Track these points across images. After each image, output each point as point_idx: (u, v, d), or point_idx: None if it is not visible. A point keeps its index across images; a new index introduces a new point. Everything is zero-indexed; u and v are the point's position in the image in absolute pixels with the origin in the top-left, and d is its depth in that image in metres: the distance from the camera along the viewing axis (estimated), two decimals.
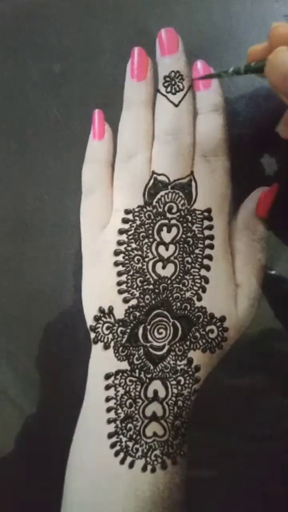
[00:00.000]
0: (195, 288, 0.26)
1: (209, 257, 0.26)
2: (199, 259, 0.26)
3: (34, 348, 0.29)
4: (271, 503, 0.27)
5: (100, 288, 0.27)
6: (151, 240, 0.26)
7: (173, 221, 0.26)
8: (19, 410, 0.29)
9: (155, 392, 0.25)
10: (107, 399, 0.25)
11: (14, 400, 0.29)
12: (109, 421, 0.25)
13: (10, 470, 0.29)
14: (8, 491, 0.28)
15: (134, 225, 0.26)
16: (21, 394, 0.29)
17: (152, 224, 0.26)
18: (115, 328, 0.26)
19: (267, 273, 0.27)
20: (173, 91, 0.27)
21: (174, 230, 0.26)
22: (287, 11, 0.29)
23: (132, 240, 0.26)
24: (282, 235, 0.27)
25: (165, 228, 0.26)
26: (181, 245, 0.26)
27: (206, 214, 0.26)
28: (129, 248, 0.26)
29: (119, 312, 0.26)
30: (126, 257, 0.26)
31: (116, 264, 0.26)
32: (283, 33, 0.20)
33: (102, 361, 0.26)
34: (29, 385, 0.29)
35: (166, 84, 0.27)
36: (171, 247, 0.26)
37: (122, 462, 0.24)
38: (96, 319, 0.26)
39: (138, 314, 0.26)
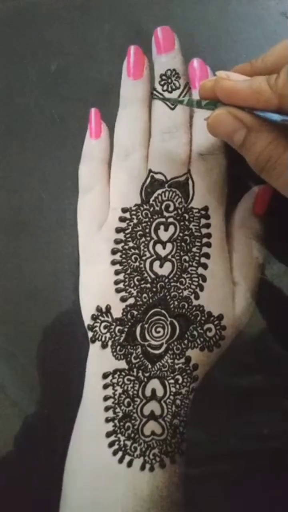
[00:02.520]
0: (193, 286, 0.26)
1: (207, 256, 0.26)
2: (197, 258, 0.26)
3: (32, 347, 0.29)
4: (271, 503, 0.27)
5: (98, 287, 0.27)
6: (148, 238, 0.26)
7: (170, 220, 0.26)
8: (17, 409, 0.29)
9: (153, 391, 0.25)
10: (105, 398, 0.25)
11: (12, 399, 0.29)
12: (107, 420, 0.25)
13: (8, 470, 0.29)
14: (7, 491, 0.28)
15: (131, 223, 0.26)
16: (20, 393, 0.29)
17: (149, 223, 0.26)
18: (112, 327, 0.26)
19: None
20: (170, 89, 0.27)
21: (171, 229, 0.26)
22: (283, 9, 0.29)
23: (129, 239, 0.26)
24: (279, 232, 0.27)
25: (162, 227, 0.26)
26: (178, 244, 0.26)
27: (203, 212, 0.26)
28: (126, 247, 0.26)
29: (117, 311, 0.26)
30: (123, 256, 0.26)
31: (114, 263, 0.26)
32: (225, 87, 0.21)
33: (100, 360, 0.26)
34: (27, 384, 0.29)
35: (162, 82, 0.27)
36: (168, 246, 0.26)
37: (120, 461, 0.24)
38: (94, 318, 0.26)
39: (135, 313, 0.26)
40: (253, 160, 0.22)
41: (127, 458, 0.24)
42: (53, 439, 0.28)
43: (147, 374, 0.25)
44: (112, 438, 0.25)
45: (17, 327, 0.29)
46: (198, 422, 0.26)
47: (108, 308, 0.26)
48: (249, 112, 0.21)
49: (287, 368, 0.28)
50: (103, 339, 0.26)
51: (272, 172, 0.21)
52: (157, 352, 0.25)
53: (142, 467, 0.24)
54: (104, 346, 0.26)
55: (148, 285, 0.26)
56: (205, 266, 0.26)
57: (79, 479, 0.25)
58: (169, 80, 0.27)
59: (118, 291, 0.26)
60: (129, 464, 0.24)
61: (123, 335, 0.26)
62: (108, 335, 0.26)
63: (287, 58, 0.21)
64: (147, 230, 0.26)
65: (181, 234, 0.26)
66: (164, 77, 0.27)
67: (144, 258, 0.26)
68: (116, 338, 0.26)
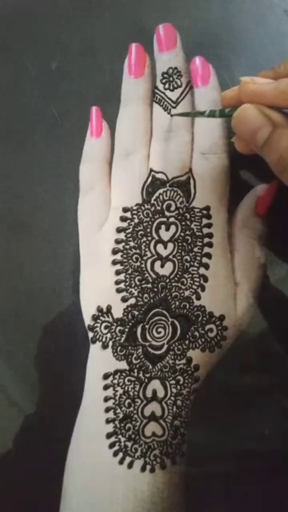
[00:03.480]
0: (194, 286, 0.25)
1: (208, 256, 0.26)
2: (198, 258, 0.26)
3: (32, 348, 0.29)
4: (271, 503, 0.27)
5: (98, 287, 0.26)
6: (149, 238, 0.26)
7: (172, 219, 0.26)
8: (17, 410, 0.29)
9: (154, 391, 0.25)
10: (106, 399, 0.25)
11: (12, 400, 0.29)
12: (108, 421, 0.25)
13: (8, 470, 0.29)
14: (7, 491, 0.28)
15: (132, 223, 0.26)
16: (20, 394, 0.29)
17: (150, 222, 0.26)
18: (113, 327, 0.26)
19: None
20: (171, 87, 0.26)
21: (172, 228, 0.26)
22: (286, 7, 0.29)
23: (130, 239, 0.26)
24: (281, 233, 0.27)
25: (163, 227, 0.26)
26: (180, 244, 0.26)
27: (204, 212, 0.26)
28: (127, 247, 0.26)
29: (118, 311, 0.26)
30: (124, 256, 0.26)
31: (114, 262, 0.26)
32: (249, 91, 0.21)
33: (100, 361, 0.26)
34: (27, 385, 0.29)
35: (164, 80, 0.26)
36: (170, 246, 0.26)
37: (121, 462, 0.24)
38: (94, 318, 0.26)
39: (136, 313, 0.26)
40: (276, 159, 0.21)
41: (128, 459, 0.24)
42: (53, 439, 0.28)
43: (148, 375, 0.25)
44: (113, 439, 0.25)
45: (17, 327, 0.29)
46: (199, 422, 0.25)
47: (108, 308, 0.26)
48: (276, 110, 0.21)
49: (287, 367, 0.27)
50: (103, 339, 0.26)
51: None
52: (158, 352, 0.25)
53: (143, 468, 0.24)
54: (104, 346, 0.26)
55: (149, 285, 0.26)
56: (206, 266, 0.26)
57: (79, 480, 0.25)
58: (171, 78, 0.26)
59: (119, 291, 0.26)
60: (130, 465, 0.24)
61: (124, 335, 0.25)
62: (108, 335, 0.26)
63: None
64: (148, 230, 0.26)
65: (182, 234, 0.26)
66: (165, 75, 0.26)
67: (145, 258, 0.26)
68: (117, 338, 0.26)
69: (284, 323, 0.28)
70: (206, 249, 0.26)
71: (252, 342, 0.27)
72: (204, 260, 0.26)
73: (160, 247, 0.26)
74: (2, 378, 0.29)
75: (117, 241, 0.26)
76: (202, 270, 0.26)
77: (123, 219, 0.26)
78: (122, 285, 0.26)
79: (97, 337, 0.26)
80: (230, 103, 0.23)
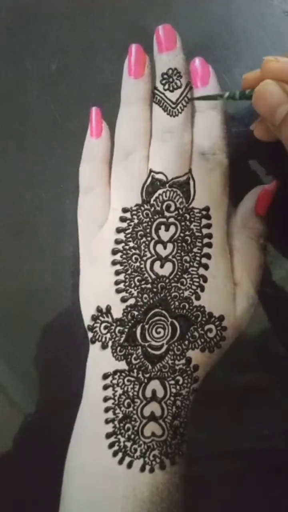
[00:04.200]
0: (194, 287, 0.25)
1: (208, 256, 0.26)
2: (198, 258, 0.26)
3: (32, 348, 0.29)
4: (271, 503, 0.27)
5: (98, 287, 0.26)
6: (149, 238, 0.26)
7: (171, 220, 0.26)
8: (17, 410, 0.29)
9: (154, 392, 0.25)
10: (105, 399, 0.25)
11: (12, 400, 0.29)
12: (107, 421, 0.25)
13: (8, 470, 0.29)
14: (7, 491, 0.28)
15: (132, 223, 0.26)
16: (20, 394, 0.29)
17: (150, 223, 0.26)
18: (113, 327, 0.26)
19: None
20: (171, 88, 0.26)
21: (172, 229, 0.26)
22: (285, 7, 0.29)
23: (130, 239, 0.26)
24: (280, 233, 0.27)
25: (163, 227, 0.26)
26: (179, 244, 0.26)
27: (204, 212, 0.26)
28: (126, 247, 0.26)
29: (117, 311, 0.26)
30: (124, 256, 0.26)
31: (114, 263, 0.26)
32: (273, 69, 0.21)
33: (100, 361, 0.26)
34: (27, 385, 0.29)
35: (163, 81, 0.26)
36: (169, 246, 0.26)
37: (120, 462, 0.24)
38: (94, 318, 0.26)
39: (136, 313, 0.26)
40: None
41: (127, 459, 0.24)
42: (52, 439, 0.28)
43: (147, 375, 0.25)
44: (112, 439, 0.25)
45: (17, 327, 0.29)
46: (198, 422, 0.25)
47: (108, 309, 0.26)
48: None
49: (287, 368, 0.27)
50: (103, 339, 0.26)
51: None
52: (157, 353, 0.25)
53: (142, 468, 0.24)
54: (104, 346, 0.26)
55: (149, 286, 0.26)
56: (206, 267, 0.26)
57: (78, 480, 0.25)
58: (171, 79, 0.26)
59: (118, 291, 0.26)
60: (129, 465, 0.24)
61: (124, 335, 0.25)
62: (108, 335, 0.26)
63: None
64: (147, 230, 0.26)
65: (182, 234, 0.26)
66: (165, 76, 0.26)
67: (144, 258, 0.26)
68: (116, 338, 0.26)
69: (284, 323, 0.28)
70: (206, 250, 0.26)
71: (251, 342, 0.27)
72: (204, 260, 0.26)
73: (159, 248, 0.26)
74: (2, 378, 0.29)
75: (117, 242, 0.26)
76: (201, 271, 0.26)
77: (122, 219, 0.26)
78: (121, 286, 0.26)
79: (97, 337, 0.26)
80: (251, 85, 0.22)
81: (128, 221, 0.26)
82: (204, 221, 0.26)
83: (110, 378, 0.25)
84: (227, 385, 0.27)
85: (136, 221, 0.26)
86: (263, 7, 0.29)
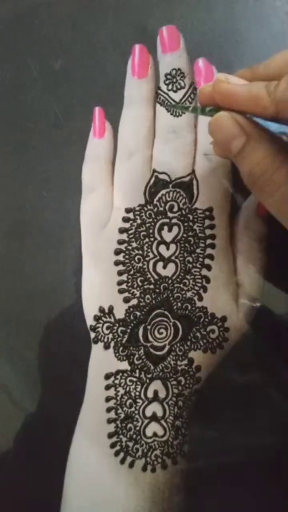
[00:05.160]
0: (196, 288, 0.26)
1: (210, 257, 0.26)
2: (200, 259, 0.26)
3: (34, 348, 0.29)
4: (272, 502, 0.27)
5: (100, 287, 0.26)
6: (152, 239, 0.26)
7: (174, 220, 0.26)
8: (19, 409, 0.29)
9: (155, 392, 0.25)
10: (107, 399, 0.25)
11: (14, 399, 0.29)
12: (109, 421, 0.25)
13: (9, 470, 0.29)
14: (7, 491, 0.28)
15: (135, 224, 0.26)
16: (22, 393, 0.29)
17: (153, 223, 0.26)
18: (115, 328, 0.26)
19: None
20: (174, 88, 0.26)
21: (175, 229, 0.26)
22: None
23: (133, 239, 0.26)
24: (283, 234, 0.27)
25: (166, 227, 0.26)
26: (182, 245, 0.26)
27: (207, 213, 0.26)
28: (129, 247, 0.26)
29: (119, 311, 0.26)
30: (127, 257, 0.26)
31: (117, 263, 0.26)
32: (222, 90, 0.21)
33: (102, 361, 0.26)
34: (29, 385, 0.29)
35: (167, 82, 0.26)
36: (172, 247, 0.26)
37: (122, 462, 0.24)
38: (96, 318, 0.26)
39: (138, 314, 0.26)
40: (247, 172, 0.21)
41: (129, 459, 0.24)
42: (54, 439, 0.28)
43: (149, 375, 0.25)
44: (114, 439, 0.25)
45: (19, 327, 0.29)
46: (199, 419, 0.25)
47: (110, 309, 0.26)
48: (251, 120, 0.20)
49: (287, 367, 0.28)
50: (105, 340, 0.26)
51: (265, 188, 0.20)
52: (159, 353, 0.25)
53: (144, 468, 0.24)
54: (106, 347, 0.26)
55: (151, 286, 0.26)
56: (209, 268, 0.26)
57: (80, 480, 0.25)
58: (174, 80, 0.26)
59: (121, 291, 0.26)
60: (131, 465, 0.24)
61: (126, 336, 0.26)
62: (110, 336, 0.26)
63: None
64: (150, 231, 0.26)
65: (185, 235, 0.26)
66: (169, 77, 0.26)
67: (147, 259, 0.26)
68: (119, 339, 0.26)
69: (285, 324, 0.28)
70: (209, 250, 0.26)
71: (252, 342, 0.27)
72: (207, 261, 0.26)
73: (162, 248, 0.26)
74: (4, 378, 0.29)
75: (120, 242, 0.26)
76: (204, 271, 0.26)
77: (125, 219, 0.26)
78: (124, 286, 0.26)
79: (99, 337, 0.26)
80: (207, 98, 0.22)
81: (131, 222, 0.26)
82: (207, 222, 0.26)
83: (112, 378, 0.25)
84: (227, 384, 0.27)
85: (139, 221, 0.26)
86: (266, 8, 0.29)
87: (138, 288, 0.26)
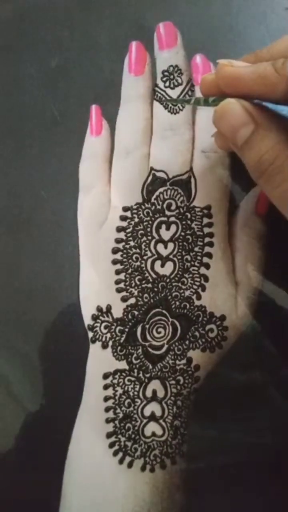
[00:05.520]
0: (195, 286, 0.25)
1: (209, 255, 0.26)
2: (199, 257, 0.26)
3: (32, 347, 0.29)
4: (271, 502, 0.27)
5: (98, 286, 0.26)
6: (149, 238, 0.26)
7: (172, 219, 0.26)
8: (19, 409, 0.29)
9: (154, 391, 0.25)
10: (106, 399, 0.25)
11: (14, 399, 0.29)
12: (108, 421, 0.25)
13: (8, 469, 0.29)
14: (7, 491, 0.28)
15: (133, 222, 0.26)
16: (20, 393, 0.29)
17: (150, 222, 0.26)
18: (113, 327, 0.26)
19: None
20: (172, 85, 0.26)
21: (173, 228, 0.26)
22: (287, 5, 0.29)
23: (131, 238, 0.26)
24: (281, 232, 0.27)
25: (164, 226, 0.26)
26: (180, 243, 0.26)
27: (205, 211, 0.26)
28: (127, 246, 0.26)
29: (117, 311, 0.26)
30: (124, 255, 0.26)
31: (114, 262, 0.26)
32: (227, 73, 0.20)
33: (100, 361, 0.26)
34: (27, 384, 0.29)
35: (164, 78, 0.26)
36: (170, 245, 0.26)
37: (121, 461, 0.24)
38: (94, 318, 0.26)
39: (136, 313, 0.25)
40: (255, 161, 0.20)
41: (128, 459, 0.24)
42: (53, 438, 0.27)
43: (148, 375, 0.25)
44: (113, 439, 0.25)
45: (17, 327, 0.29)
46: (198, 418, 0.25)
47: (108, 308, 0.26)
48: (259, 107, 0.19)
49: (287, 366, 0.27)
50: (103, 339, 0.26)
51: (274, 177, 0.19)
52: (158, 352, 0.25)
53: (143, 468, 0.24)
54: (104, 346, 0.26)
55: (149, 285, 0.25)
56: (207, 266, 0.26)
57: (79, 480, 0.25)
58: (171, 76, 0.26)
59: (118, 291, 0.26)
60: (130, 465, 0.24)
61: (124, 335, 0.25)
62: (108, 335, 0.26)
63: None
64: (148, 229, 0.26)
65: (183, 233, 0.26)
66: (166, 73, 0.26)
67: (145, 257, 0.26)
68: (117, 338, 0.25)
69: (284, 322, 0.28)
70: (207, 249, 0.26)
71: (251, 341, 0.27)
72: (205, 259, 0.26)
73: (160, 247, 0.26)
74: (3, 378, 0.29)
75: (117, 241, 0.26)
76: (202, 270, 0.25)
77: (123, 218, 0.26)
78: (122, 285, 0.26)
79: (97, 336, 0.26)
80: (210, 88, 0.21)
81: (128, 220, 0.26)
82: (205, 220, 0.26)
83: (111, 377, 0.25)
84: (226, 383, 0.27)
85: (136, 220, 0.26)
86: (264, 4, 0.29)
87: (136, 287, 0.26)
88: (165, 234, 0.26)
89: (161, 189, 0.26)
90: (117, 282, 0.26)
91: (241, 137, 0.20)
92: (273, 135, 0.19)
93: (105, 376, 0.25)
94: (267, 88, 0.19)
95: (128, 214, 0.26)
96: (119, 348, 0.25)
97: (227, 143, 0.21)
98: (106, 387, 0.25)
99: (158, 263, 0.26)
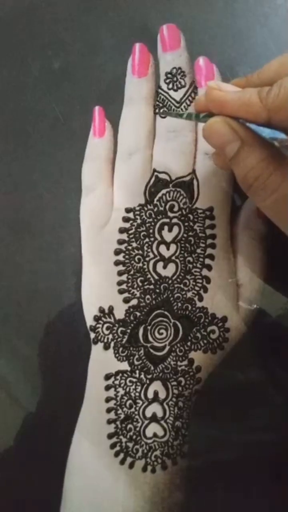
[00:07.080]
0: (197, 288, 0.25)
1: (211, 257, 0.26)
2: (201, 259, 0.26)
3: (34, 348, 0.29)
4: (271, 502, 0.27)
5: (100, 287, 0.26)
6: (152, 239, 0.26)
7: (175, 220, 0.26)
8: (19, 409, 0.29)
9: (156, 393, 0.25)
10: (107, 400, 0.25)
11: (14, 399, 0.29)
12: (109, 422, 0.25)
13: (9, 469, 0.29)
14: (7, 491, 0.28)
15: (135, 224, 0.26)
16: (22, 393, 0.29)
17: (153, 223, 0.26)
18: (115, 328, 0.26)
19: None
20: (175, 87, 0.26)
21: (175, 229, 0.26)
22: None
23: (133, 239, 0.26)
24: (283, 234, 0.27)
25: (166, 227, 0.26)
26: (183, 245, 0.26)
27: (208, 213, 0.26)
28: (129, 247, 0.26)
29: (120, 312, 0.26)
30: (127, 257, 0.26)
31: (117, 263, 0.26)
32: (214, 98, 0.21)
33: (102, 362, 0.26)
34: (29, 385, 0.29)
35: (167, 80, 0.26)
36: (172, 247, 0.26)
37: (122, 462, 0.24)
38: (96, 319, 0.26)
39: (138, 314, 0.25)
40: (242, 176, 0.21)
41: (129, 459, 0.24)
42: (54, 439, 0.28)
43: (149, 376, 0.25)
44: (114, 439, 0.25)
45: (19, 327, 0.29)
46: (199, 418, 0.25)
47: (110, 309, 0.26)
48: (244, 125, 0.20)
49: (287, 366, 0.27)
50: (105, 340, 0.26)
51: (259, 192, 0.20)
52: (160, 354, 0.25)
53: (144, 469, 0.24)
54: (106, 347, 0.26)
55: (152, 286, 0.26)
56: (209, 268, 0.26)
57: (80, 480, 0.25)
58: (175, 78, 0.26)
59: (121, 292, 0.26)
60: (131, 465, 0.24)
61: (126, 336, 0.25)
62: (110, 336, 0.26)
63: (282, 74, 0.20)
64: (151, 231, 0.26)
65: (185, 235, 0.26)
66: (169, 75, 0.26)
67: (147, 259, 0.26)
68: (119, 339, 0.25)
69: (284, 323, 0.28)
70: (209, 250, 0.26)
71: (252, 342, 0.27)
72: (207, 261, 0.26)
73: (162, 248, 0.26)
74: (4, 378, 0.29)
75: (120, 242, 0.26)
76: (204, 272, 0.26)
77: (125, 219, 0.26)
78: (124, 286, 0.26)
79: (99, 338, 0.26)
80: (202, 108, 0.22)
81: (131, 221, 0.26)
82: (207, 222, 0.26)
83: (112, 378, 0.25)
84: (227, 384, 0.27)
85: (139, 221, 0.26)
86: (267, 7, 0.29)
87: (138, 289, 0.26)
88: (168, 236, 0.26)
89: (163, 191, 0.26)
90: (119, 283, 0.26)
91: (229, 153, 0.21)
92: (258, 152, 0.20)
93: (107, 377, 0.25)
94: (250, 116, 0.20)
95: (131, 215, 0.26)
96: (121, 349, 0.25)
97: (224, 163, 0.22)
98: (107, 388, 0.25)
99: (160, 264, 0.26)
